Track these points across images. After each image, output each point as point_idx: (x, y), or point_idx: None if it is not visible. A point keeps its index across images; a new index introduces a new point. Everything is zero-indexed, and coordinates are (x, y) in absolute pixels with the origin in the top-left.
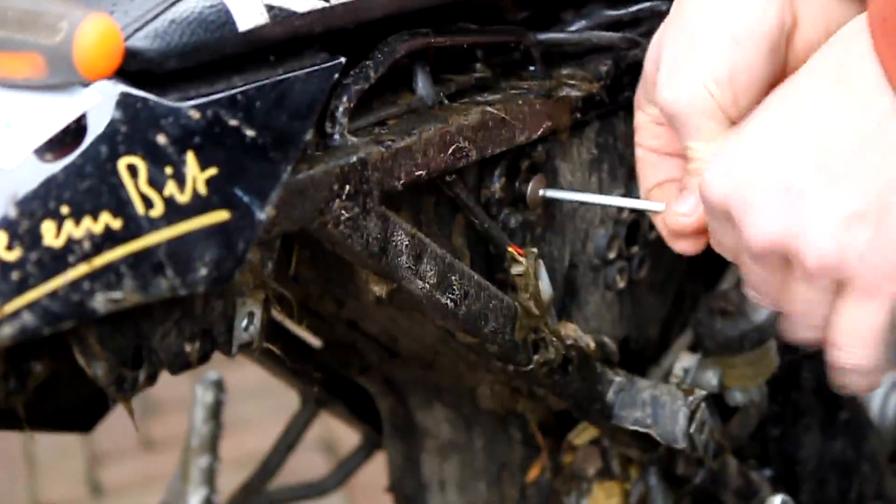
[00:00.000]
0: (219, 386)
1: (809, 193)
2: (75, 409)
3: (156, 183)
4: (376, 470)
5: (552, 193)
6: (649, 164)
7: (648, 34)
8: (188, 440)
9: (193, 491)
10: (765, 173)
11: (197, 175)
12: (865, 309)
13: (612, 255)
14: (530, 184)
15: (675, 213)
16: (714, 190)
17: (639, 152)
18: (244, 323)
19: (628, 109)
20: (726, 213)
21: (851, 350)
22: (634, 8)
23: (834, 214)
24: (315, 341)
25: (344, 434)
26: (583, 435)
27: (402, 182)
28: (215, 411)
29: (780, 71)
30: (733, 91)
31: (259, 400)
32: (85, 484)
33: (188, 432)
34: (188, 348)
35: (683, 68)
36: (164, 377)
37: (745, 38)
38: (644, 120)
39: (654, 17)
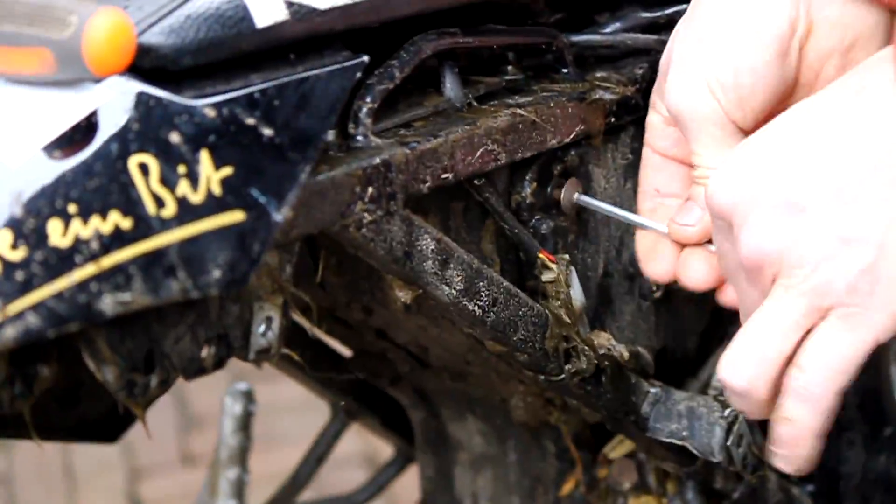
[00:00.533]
0: (248, 396)
1: (811, 211)
2: (101, 418)
3: (168, 182)
4: (415, 482)
5: (586, 200)
6: (653, 165)
7: None
8: (216, 452)
9: None
10: (770, 185)
11: (211, 174)
12: (840, 339)
13: None
14: (564, 188)
15: (677, 223)
16: (719, 197)
17: (645, 153)
18: (262, 328)
19: None
20: (728, 223)
21: (813, 377)
22: (670, 10)
23: (831, 236)
24: (345, 351)
25: (386, 449)
26: (618, 448)
27: (427, 185)
28: (245, 422)
29: (790, 78)
30: (738, 95)
31: (297, 415)
32: (124, 498)
33: (216, 444)
34: (202, 353)
35: (690, 70)
36: (204, 391)
37: (752, 41)
38: (656, 120)
39: None
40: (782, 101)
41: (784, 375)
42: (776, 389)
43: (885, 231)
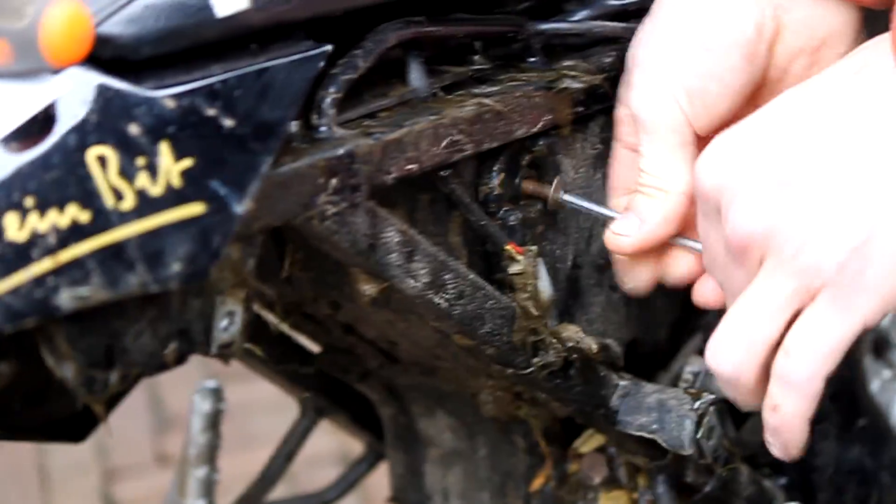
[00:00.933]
0: (217, 394)
1: (801, 188)
2: (69, 418)
3: (127, 174)
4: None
5: (570, 199)
6: (624, 162)
7: None
8: (185, 450)
9: (191, 503)
10: (759, 164)
11: (171, 166)
12: (828, 322)
13: None
14: (553, 185)
15: (612, 231)
16: (706, 178)
17: (615, 147)
18: (224, 323)
19: None
20: (715, 204)
21: (799, 362)
22: None
23: (821, 214)
24: (314, 347)
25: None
26: (589, 442)
27: (392, 176)
28: (214, 421)
29: (758, 79)
30: (704, 102)
31: (271, 415)
32: (99, 499)
33: (185, 442)
34: (164, 349)
35: (653, 75)
36: (178, 391)
37: (716, 46)
38: (624, 114)
39: None
40: (748, 102)
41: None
42: (765, 375)
43: (878, 210)
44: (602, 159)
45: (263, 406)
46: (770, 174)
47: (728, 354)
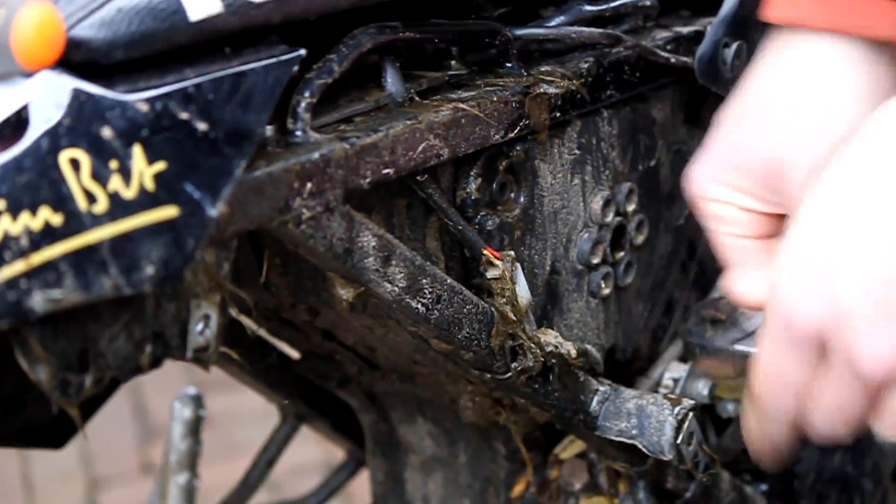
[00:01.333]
0: (198, 401)
1: None
2: (47, 424)
3: (100, 177)
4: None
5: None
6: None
7: (630, 31)
8: (165, 457)
9: None
10: (865, 284)
11: (144, 169)
12: None
13: (595, 261)
14: None
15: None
16: (803, 316)
17: (729, 242)
18: (199, 326)
19: (611, 108)
20: (820, 343)
21: None
22: (615, 3)
23: None
24: (293, 353)
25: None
26: (569, 448)
27: (368, 181)
28: (194, 427)
29: None
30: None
31: (256, 424)
32: None
33: (165, 449)
34: (139, 352)
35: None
36: (163, 401)
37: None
38: (722, 209)
39: (637, 13)
40: None
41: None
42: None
43: None
44: (579, 165)
45: (247, 415)
46: (878, 295)
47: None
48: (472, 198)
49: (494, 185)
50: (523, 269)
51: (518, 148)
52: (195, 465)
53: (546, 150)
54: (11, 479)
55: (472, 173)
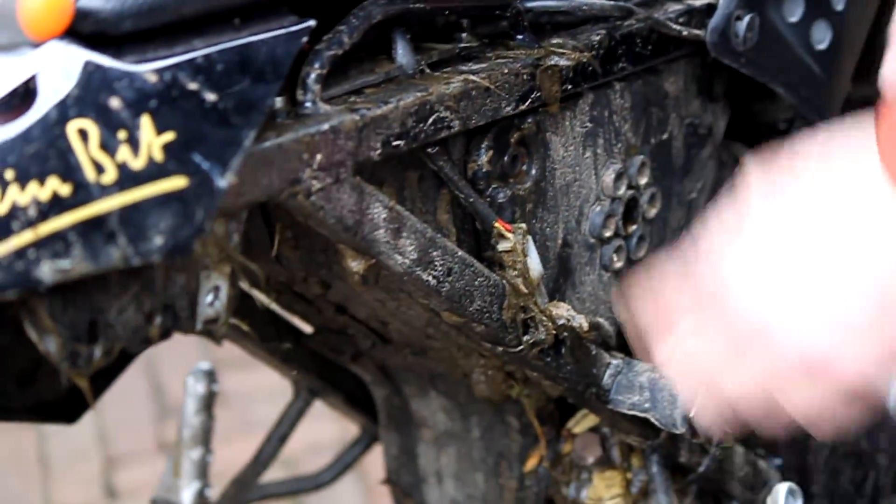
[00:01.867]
0: (211, 376)
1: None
2: (60, 398)
3: (108, 148)
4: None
5: None
6: None
7: (642, 3)
8: (179, 433)
9: (186, 485)
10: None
11: (152, 140)
12: None
13: (608, 234)
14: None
15: None
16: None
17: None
18: (209, 298)
19: (624, 81)
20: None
21: None
22: None
23: None
24: (307, 328)
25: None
26: (582, 423)
27: (378, 153)
28: (208, 402)
29: None
30: None
31: (273, 402)
32: (100, 487)
33: (179, 424)
34: (148, 323)
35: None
36: (180, 379)
37: None
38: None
39: None
40: None
41: None
42: None
43: None
44: (592, 137)
45: (263, 393)
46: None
47: None
48: (484, 170)
49: (506, 158)
50: (535, 242)
51: (530, 120)
52: (209, 441)
53: (558, 123)
54: (28, 458)
55: (483, 145)
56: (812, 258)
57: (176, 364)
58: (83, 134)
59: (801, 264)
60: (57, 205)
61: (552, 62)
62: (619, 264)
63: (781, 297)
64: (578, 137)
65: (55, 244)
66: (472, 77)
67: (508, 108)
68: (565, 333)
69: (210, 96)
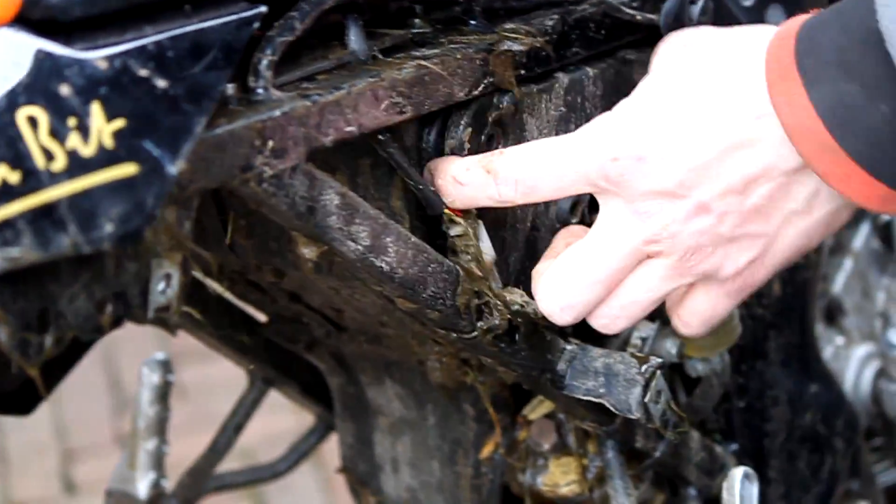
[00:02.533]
0: (166, 366)
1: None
2: (15, 390)
3: (58, 135)
4: None
5: None
6: None
7: None
8: (134, 423)
9: (142, 476)
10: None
11: (102, 127)
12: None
13: (574, 220)
14: None
15: None
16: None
17: None
18: (161, 286)
19: (597, 69)
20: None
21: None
22: None
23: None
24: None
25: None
26: (538, 409)
27: (330, 139)
28: (163, 393)
29: None
30: None
31: (232, 394)
32: (58, 480)
33: (133, 415)
34: (100, 312)
35: None
36: (138, 372)
37: None
38: None
39: None
40: None
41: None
42: None
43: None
44: (564, 122)
45: (222, 386)
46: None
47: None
48: (465, 149)
49: (482, 138)
50: (506, 224)
51: (507, 100)
52: (164, 431)
53: (535, 105)
54: None
55: (462, 122)
56: (684, 113)
57: (134, 357)
58: (32, 121)
59: (675, 114)
60: (6, 192)
61: (505, 47)
62: None
63: (654, 134)
64: (552, 121)
65: (4, 232)
66: (424, 63)
67: (461, 94)
68: (519, 319)
69: (161, 83)
